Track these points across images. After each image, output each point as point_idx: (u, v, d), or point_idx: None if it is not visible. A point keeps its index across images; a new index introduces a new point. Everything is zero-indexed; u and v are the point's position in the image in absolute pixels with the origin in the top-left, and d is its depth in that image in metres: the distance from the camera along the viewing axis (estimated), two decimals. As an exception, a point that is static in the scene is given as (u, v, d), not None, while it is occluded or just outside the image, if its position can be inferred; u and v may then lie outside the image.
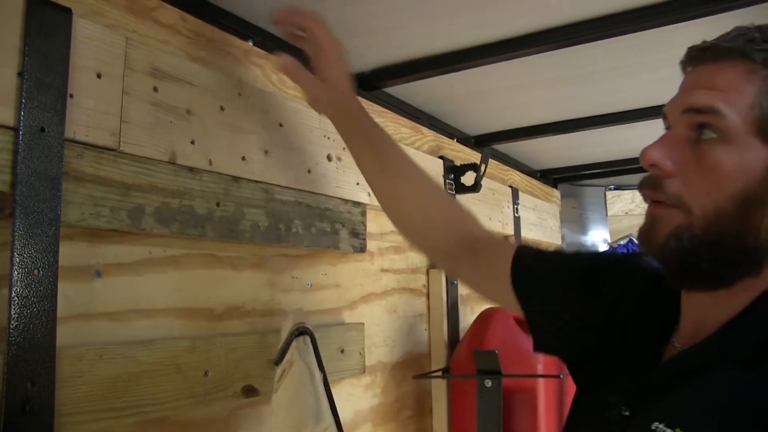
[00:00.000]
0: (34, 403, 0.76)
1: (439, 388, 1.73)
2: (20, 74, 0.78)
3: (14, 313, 0.75)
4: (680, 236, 0.69)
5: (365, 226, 1.41)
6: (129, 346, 0.90)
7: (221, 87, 1.06)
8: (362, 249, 1.39)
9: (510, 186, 2.30)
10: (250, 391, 1.07)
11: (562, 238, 2.88)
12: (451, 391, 1.69)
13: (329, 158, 1.30)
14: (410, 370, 1.67)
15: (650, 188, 0.72)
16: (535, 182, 2.67)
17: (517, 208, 2.30)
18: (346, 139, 1.14)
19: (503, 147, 2.34)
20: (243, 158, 1.08)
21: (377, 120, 1.48)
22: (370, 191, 1.40)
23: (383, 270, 1.57)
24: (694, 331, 0.75)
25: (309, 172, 1.24)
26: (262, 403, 1.13)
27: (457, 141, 1.98)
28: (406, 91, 1.64)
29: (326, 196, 1.28)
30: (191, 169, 0.99)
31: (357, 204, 1.38)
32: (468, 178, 1.81)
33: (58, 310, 0.80)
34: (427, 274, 1.78)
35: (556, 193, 2.90)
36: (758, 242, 0.67)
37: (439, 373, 1.67)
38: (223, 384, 1.02)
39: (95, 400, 0.84)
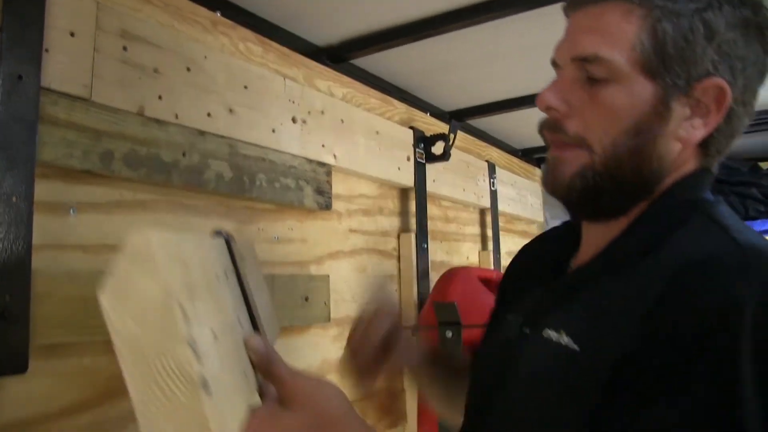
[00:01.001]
0: (11, 312, 0.88)
1: (409, 346, 1.84)
2: (0, 29, 0.90)
3: (-6, 236, 0.88)
4: (585, 175, 0.76)
5: (330, 186, 1.52)
6: (100, 274, 1.02)
7: (188, 50, 1.18)
8: (327, 206, 1.51)
9: (487, 161, 2.40)
10: (214, 325, 1.19)
11: (545, 218, 2.97)
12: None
13: (294, 120, 1.41)
14: (380, 326, 1.77)
15: (550, 131, 0.80)
16: (515, 160, 2.77)
17: (493, 182, 2.41)
18: None
19: (482, 124, 2.43)
20: (208, 114, 1.21)
21: (345, 90, 1.61)
22: (336, 154, 1.53)
23: (352, 230, 1.69)
24: (590, 253, 0.83)
25: (273, 131, 1.35)
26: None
27: (430, 115, 2.09)
28: (376, 64, 1.75)
29: (291, 154, 1.40)
30: (158, 121, 1.12)
31: (322, 164, 1.50)
32: (438, 148, 1.92)
33: (35, 239, 0.93)
34: (398, 238, 1.90)
35: (539, 171, 3.00)
36: (652, 170, 0.75)
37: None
38: (187, 315, 1.14)
39: (66, 317, 0.96)
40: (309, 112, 1.45)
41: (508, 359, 0.83)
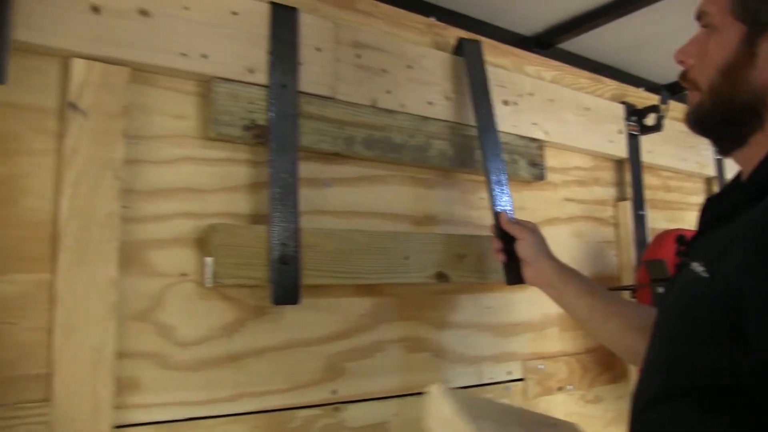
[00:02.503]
0: (287, 258, 1.19)
1: (631, 307, 1.95)
2: (269, 53, 1.22)
3: (273, 203, 1.19)
4: (696, 111, 0.92)
5: (542, 158, 1.71)
6: (348, 232, 1.31)
7: (408, 52, 1.44)
8: (541, 177, 1.70)
9: (710, 130, 2.41)
10: (441, 277, 1.43)
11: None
12: (640, 308, 1.91)
13: (506, 103, 1.62)
14: (601, 288, 1.91)
15: (681, 79, 0.96)
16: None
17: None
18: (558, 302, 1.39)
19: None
20: (429, 103, 1.46)
21: (553, 73, 1.77)
22: (547, 130, 1.71)
23: (567, 199, 1.85)
24: None
25: (486, 113, 1.57)
26: (455, 291, 1.49)
27: (645, 90, 2.17)
28: (585, 46, 1.89)
29: (504, 132, 1.60)
30: (388, 111, 1.39)
31: (533, 140, 1.69)
32: (650, 120, 2.01)
33: (301, 206, 1.23)
34: (615, 206, 2.01)
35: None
36: (744, 100, 0.86)
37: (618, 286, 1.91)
38: (419, 267, 1.40)
39: (325, 263, 1.25)
40: (519, 95, 1.65)
41: (667, 296, 0.94)
